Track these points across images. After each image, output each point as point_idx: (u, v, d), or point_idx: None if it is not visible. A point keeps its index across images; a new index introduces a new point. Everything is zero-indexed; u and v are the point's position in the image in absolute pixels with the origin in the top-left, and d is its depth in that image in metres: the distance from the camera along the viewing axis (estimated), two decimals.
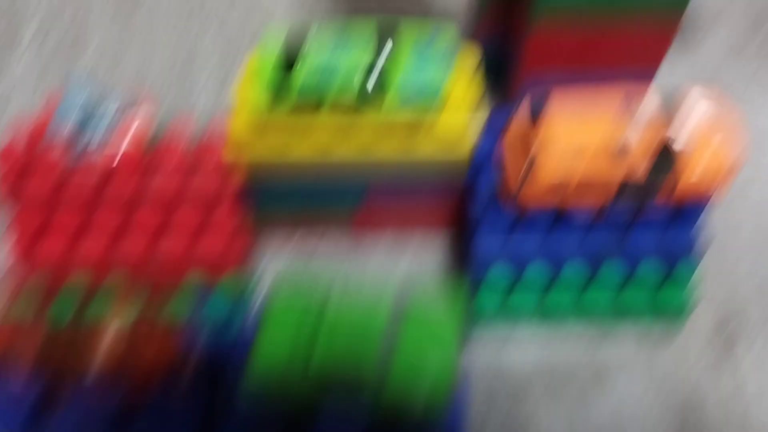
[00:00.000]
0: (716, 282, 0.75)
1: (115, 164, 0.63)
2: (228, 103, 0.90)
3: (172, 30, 0.95)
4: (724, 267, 0.76)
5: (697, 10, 0.97)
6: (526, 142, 0.61)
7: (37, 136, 0.64)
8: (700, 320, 0.73)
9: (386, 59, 0.61)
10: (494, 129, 0.66)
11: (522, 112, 0.62)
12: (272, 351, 0.30)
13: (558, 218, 0.63)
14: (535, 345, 0.71)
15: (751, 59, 0.92)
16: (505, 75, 0.80)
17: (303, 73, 0.60)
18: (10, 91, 0.90)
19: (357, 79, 0.59)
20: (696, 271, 0.67)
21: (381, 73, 0.60)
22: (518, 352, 0.71)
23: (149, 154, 0.66)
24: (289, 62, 0.61)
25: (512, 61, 0.78)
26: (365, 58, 0.60)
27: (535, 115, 0.61)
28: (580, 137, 0.60)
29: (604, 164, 0.58)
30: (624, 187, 0.58)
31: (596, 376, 0.71)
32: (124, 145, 0.63)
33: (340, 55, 0.60)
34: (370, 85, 0.60)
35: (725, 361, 0.71)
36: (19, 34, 0.95)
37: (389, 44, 0.61)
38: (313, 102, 0.59)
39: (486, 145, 0.66)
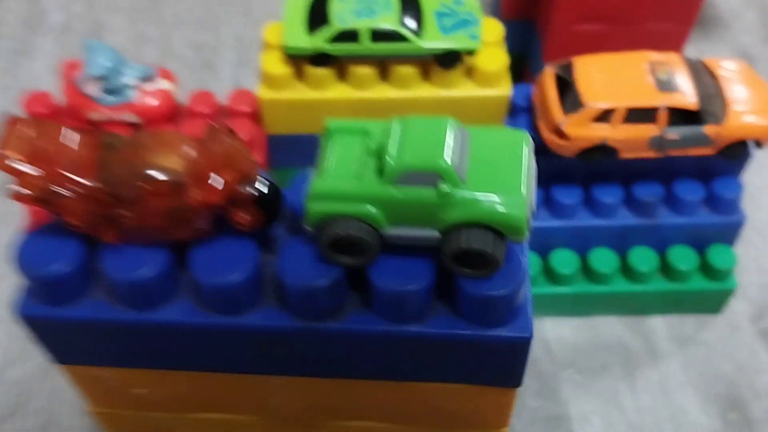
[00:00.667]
0: (752, 272, 0.72)
1: (146, 113, 0.62)
2: (250, 84, 0.90)
3: (197, 17, 0.95)
4: (761, 257, 0.73)
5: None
6: (558, 86, 0.60)
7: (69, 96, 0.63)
8: (737, 310, 0.70)
9: (415, 10, 0.60)
10: (520, 95, 0.65)
11: (549, 70, 0.61)
12: (339, 162, 0.28)
13: (595, 173, 0.61)
14: (572, 323, 0.69)
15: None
16: (523, 62, 0.81)
17: (339, 5, 0.59)
18: (43, 73, 0.90)
19: (395, 11, 0.59)
20: (732, 258, 0.65)
21: (416, 11, 0.60)
22: (555, 328, 0.69)
23: (180, 107, 0.65)
24: (317, 8, 0.61)
25: (538, 38, 0.78)
26: (394, 5, 0.59)
27: (563, 72, 0.60)
28: (619, 71, 0.59)
29: (650, 92, 0.57)
30: (677, 115, 0.57)
31: (628, 364, 0.68)
32: (154, 101, 0.62)
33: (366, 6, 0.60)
34: (405, 19, 0.59)
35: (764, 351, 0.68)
36: (45, 18, 0.95)
37: (414, 1, 0.61)
38: (352, 32, 0.58)
39: (519, 95, 0.64)
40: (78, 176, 0.28)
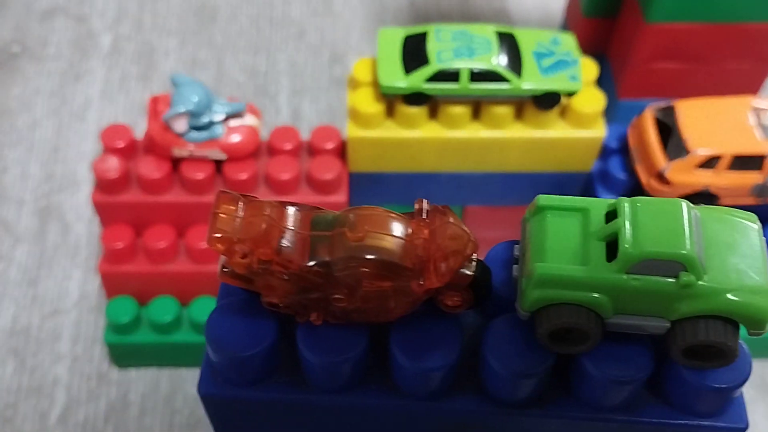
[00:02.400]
0: None
1: (231, 148, 0.60)
2: (307, 111, 0.88)
3: (250, 39, 0.94)
4: None
5: None
6: (658, 130, 0.59)
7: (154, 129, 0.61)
8: None
9: (514, 50, 0.59)
10: (610, 136, 0.64)
11: (649, 113, 0.60)
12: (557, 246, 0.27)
13: None
14: None
15: None
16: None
17: (438, 45, 0.58)
18: (92, 97, 0.88)
19: (494, 51, 0.58)
20: None
21: (515, 51, 0.59)
22: None
23: (264, 143, 0.64)
24: (413, 47, 0.60)
25: (611, 73, 0.77)
26: (494, 45, 0.58)
27: (663, 115, 0.59)
28: (723, 116, 0.58)
29: (756, 140, 0.56)
30: None
31: None
32: (239, 137, 0.60)
33: (467, 39, 0.59)
34: (504, 59, 0.58)
35: None
36: (93, 40, 0.93)
37: (512, 40, 0.60)
38: (452, 72, 0.57)
39: (609, 136, 0.63)
40: (290, 257, 0.26)
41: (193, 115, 0.58)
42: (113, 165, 0.61)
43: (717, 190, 0.57)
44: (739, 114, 0.57)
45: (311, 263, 0.27)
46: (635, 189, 0.61)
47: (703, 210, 0.28)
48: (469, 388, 0.29)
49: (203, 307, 0.65)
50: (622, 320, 0.27)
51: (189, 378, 0.68)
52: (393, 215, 0.27)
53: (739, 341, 0.27)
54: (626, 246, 0.26)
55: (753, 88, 0.74)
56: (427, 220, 0.27)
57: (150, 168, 0.61)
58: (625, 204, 0.27)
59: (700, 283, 0.26)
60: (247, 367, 0.28)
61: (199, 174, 0.61)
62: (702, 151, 0.56)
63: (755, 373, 0.68)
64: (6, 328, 0.70)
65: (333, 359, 0.28)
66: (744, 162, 0.56)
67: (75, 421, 0.65)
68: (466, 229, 0.27)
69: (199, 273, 0.64)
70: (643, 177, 0.58)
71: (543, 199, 0.28)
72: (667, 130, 0.59)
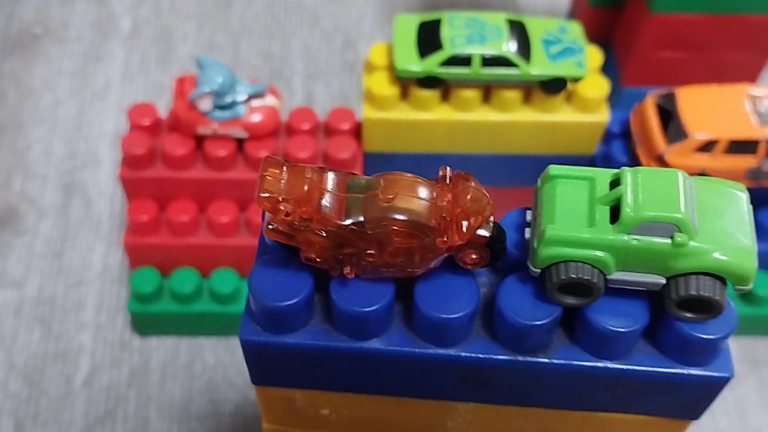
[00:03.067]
0: None
1: (252, 127, 0.63)
2: (321, 95, 0.91)
3: (265, 24, 0.96)
4: None
5: None
6: (659, 116, 0.62)
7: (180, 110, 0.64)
8: None
9: (523, 37, 0.62)
10: (613, 121, 0.67)
11: (651, 99, 0.63)
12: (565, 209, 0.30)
13: None
14: None
15: None
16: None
17: (451, 31, 0.61)
18: (113, 78, 0.91)
19: (505, 38, 0.61)
20: None
21: (524, 38, 0.62)
22: None
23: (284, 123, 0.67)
24: (427, 32, 0.63)
25: (614, 61, 0.80)
26: (504, 32, 0.61)
27: (664, 101, 0.62)
28: (721, 103, 0.61)
29: (752, 125, 0.59)
30: None
31: None
32: (260, 117, 0.63)
33: (479, 26, 0.62)
34: (514, 48, 0.61)
35: None
36: (114, 23, 0.96)
37: (522, 28, 0.63)
38: (465, 57, 0.60)
39: (612, 121, 0.66)
40: (328, 215, 0.29)
41: (217, 95, 0.61)
42: (140, 141, 0.64)
43: (713, 172, 0.60)
44: (736, 101, 0.60)
45: (347, 222, 0.30)
46: None
47: (697, 180, 0.31)
48: (483, 337, 0.32)
49: (223, 278, 0.68)
50: (623, 276, 0.30)
51: (207, 346, 0.71)
52: (420, 180, 0.31)
53: (726, 299, 0.31)
54: (627, 210, 0.29)
55: (751, 77, 0.77)
56: (450, 185, 0.30)
57: (175, 145, 0.64)
58: (628, 173, 0.30)
59: (692, 243, 0.29)
60: (284, 316, 0.31)
61: (222, 151, 0.64)
62: (700, 136, 0.59)
63: (746, 349, 0.72)
64: (33, 297, 0.74)
65: (363, 309, 0.31)
66: (739, 146, 0.59)
67: (99, 385, 0.69)
68: (485, 192, 0.30)
69: (220, 246, 0.67)
70: (644, 160, 0.61)
71: (554, 168, 0.32)
72: (668, 116, 0.62)
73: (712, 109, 0.60)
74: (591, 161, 0.68)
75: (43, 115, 0.88)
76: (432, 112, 0.64)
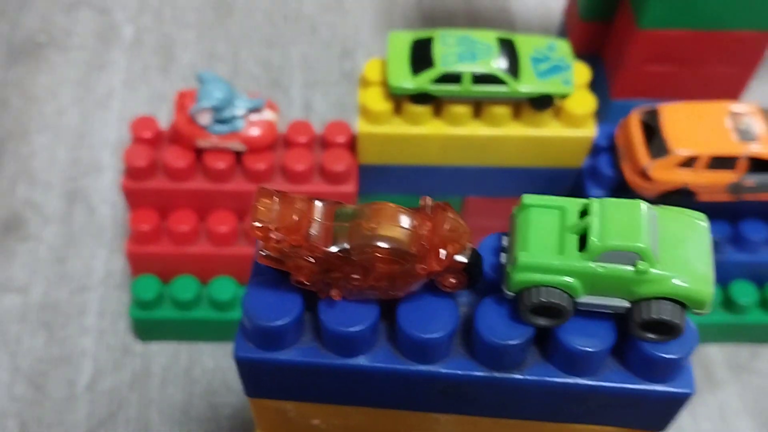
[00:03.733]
0: None
1: (250, 141, 0.65)
2: (318, 104, 0.93)
3: (264, 33, 0.99)
4: None
5: None
6: (644, 131, 0.64)
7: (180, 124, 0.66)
8: None
9: (512, 55, 0.64)
10: (600, 135, 0.69)
11: (635, 115, 0.65)
12: (537, 241, 0.32)
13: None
14: None
15: None
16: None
17: (443, 49, 0.63)
18: (115, 86, 0.93)
19: (495, 56, 0.63)
20: None
21: (514, 56, 0.64)
22: None
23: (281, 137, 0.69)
24: (420, 50, 0.65)
25: (604, 74, 0.82)
26: (494, 50, 0.63)
27: (649, 117, 0.64)
28: (703, 120, 0.63)
29: (732, 142, 0.61)
30: (754, 163, 0.61)
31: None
32: (258, 131, 0.65)
33: (470, 44, 0.64)
34: (503, 63, 0.63)
35: None
36: (116, 32, 0.98)
37: (511, 46, 0.65)
38: (456, 75, 0.62)
39: (600, 135, 0.69)
40: (316, 243, 0.31)
41: (216, 109, 0.63)
42: (142, 153, 0.66)
43: (695, 187, 0.62)
44: (718, 118, 0.62)
45: (333, 248, 0.32)
46: (621, 185, 0.66)
47: (660, 209, 0.33)
48: (462, 355, 0.35)
49: (221, 286, 0.71)
50: (590, 300, 0.32)
51: (207, 351, 0.73)
52: (402, 210, 0.33)
53: (687, 320, 0.33)
54: (593, 239, 0.31)
55: (736, 92, 0.79)
56: (430, 214, 0.33)
57: (175, 157, 0.66)
58: (595, 204, 0.32)
59: (652, 270, 0.31)
60: (276, 334, 0.34)
61: (221, 164, 0.66)
62: (682, 152, 0.61)
63: (730, 355, 0.74)
64: (37, 302, 0.76)
65: (348, 329, 0.33)
66: (720, 162, 0.61)
67: (102, 389, 0.71)
68: (462, 222, 0.32)
69: (219, 255, 0.70)
70: (628, 174, 0.64)
71: (528, 198, 0.34)
72: (651, 132, 0.64)
73: (693, 125, 0.62)
74: (578, 174, 0.70)
75: (46, 123, 0.90)
76: (425, 127, 0.66)
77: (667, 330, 0.32)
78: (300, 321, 0.34)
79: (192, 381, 0.72)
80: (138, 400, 0.70)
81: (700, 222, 0.33)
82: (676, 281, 0.31)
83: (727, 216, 0.68)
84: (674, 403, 0.34)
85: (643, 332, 0.33)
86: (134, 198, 0.69)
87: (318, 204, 0.33)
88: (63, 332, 0.74)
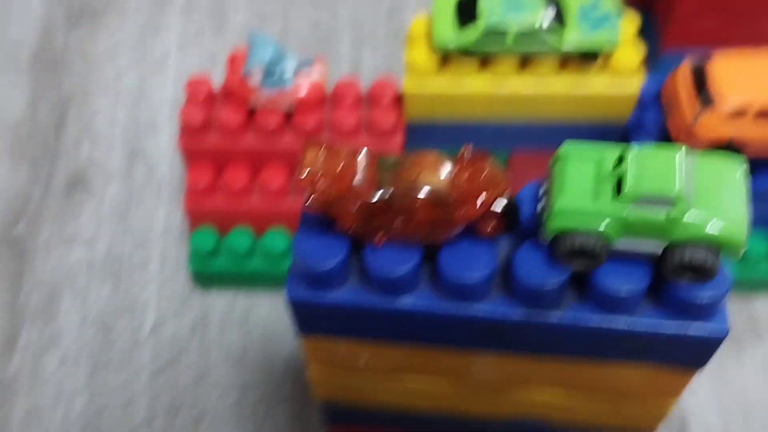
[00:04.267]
0: None
1: (299, 100, 0.67)
2: (366, 62, 0.95)
3: None
4: None
5: None
6: (695, 82, 0.63)
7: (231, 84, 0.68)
8: None
9: (560, 6, 0.64)
10: (649, 88, 0.68)
11: (685, 65, 0.64)
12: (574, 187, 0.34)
13: None
14: None
15: None
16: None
17: (489, 3, 0.64)
18: (170, 48, 0.96)
19: (541, 8, 0.63)
20: None
21: (560, 8, 0.64)
22: None
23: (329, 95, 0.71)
24: (466, 4, 0.65)
25: (654, 29, 0.81)
26: (540, 4, 0.63)
27: (698, 69, 0.63)
28: (755, 72, 0.62)
29: None
30: None
31: (736, 342, 0.72)
32: (306, 90, 0.67)
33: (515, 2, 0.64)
34: (549, 21, 0.63)
35: None
36: None
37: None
38: (499, 32, 0.63)
39: (648, 88, 0.68)
40: (360, 191, 0.33)
41: (266, 68, 0.65)
42: (197, 112, 0.69)
43: (745, 140, 0.62)
44: None
45: (377, 196, 0.34)
46: (668, 139, 0.66)
47: (698, 155, 0.34)
48: (501, 297, 0.36)
49: (275, 238, 0.74)
50: (625, 245, 0.34)
51: (262, 300, 0.77)
52: (442, 158, 0.34)
53: (720, 264, 0.34)
54: (628, 185, 0.32)
55: None
56: (469, 163, 0.34)
57: (228, 116, 0.69)
58: (631, 151, 0.33)
59: (686, 216, 0.32)
60: (324, 276, 0.36)
61: (272, 122, 0.68)
62: (730, 102, 0.60)
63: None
64: (102, 255, 0.81)
65: (392, 270, 0.35)
66: None
67: (164, 335, 0.75)
68: (499, 170, 0.34)
69: (271, 209, 0.73)
70: (674, 126, 0.63)
71: (565, 147, 0.35)
72: (702, 82, 0.63)
73: (746, 75, 0.61)
74: (625, 128, 0.70)
75: (106, 85, 0.93)
76: (470, 83, 0.67)
77: (702, 273, 0.33)
78: (346, 263, 0.36)
79: (248, 328, 0.75)
80: (197, 346, 0.75)
81: (738, 167, 0.34)
82: (709, 226, 0.32)
83: None
84: (710, 344, 0.35)
85: (678, 275, 0.34)
86: (190, 155, 0.72)
87: (362, 154, 0.35)
88: (127, 283, 0.79)
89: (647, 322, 0.35)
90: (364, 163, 0.34)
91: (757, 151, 0.63)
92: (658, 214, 0.32)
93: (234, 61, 0.67)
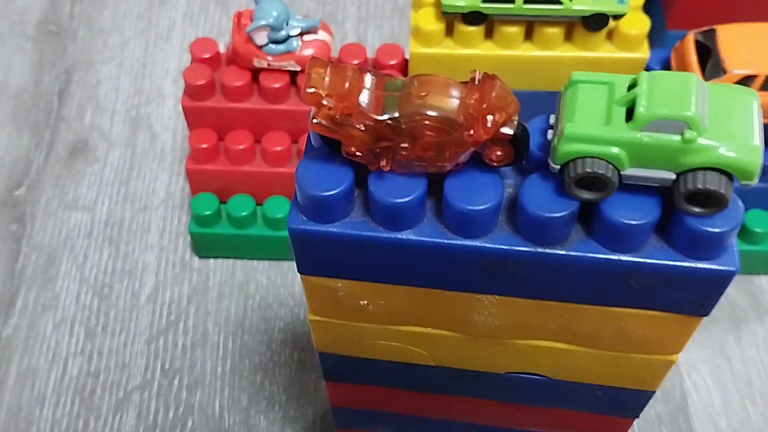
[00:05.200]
0: None
1: (305, 63, 0.66)
2: (371, 37, 0.94)
3: None
4: None
5: None
6: (699, 54, 0.63)
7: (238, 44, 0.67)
8: None
9: None
10: (654, 63, 0.68)
11: (690, 37, 0.64)
12: (585, 110, 0.33)
13: None
14: None
15: None
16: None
17: None
18: (176, 19, 0.96)
19: None
20: None
21: None
22: None
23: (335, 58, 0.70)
24: None
25: (661, 4, 0.80)
26: None
27: (703, 41, 0.63)
28: (759, 43, 0.62)
29: None
30: None
31: (736, 319, 0.72)
32: (312, 51, 0.66)
33: None
34: None
35: None
36: None
37: None
38: None
39: (653, 63, 0.68)
40: (366, 110, 0.33)
41: (272, 28, 0.65)
42: (201, 73, 0.69)
43: None
44: None
45: (383, 116, 0.33)
46: None
47: (711, 84, 0.33)
48: (507, 231, 0.36)
49: (276, 205, 0.73)
50: (635, 172, 0.33)
51: (261, 269, 0.76)
52: (451, 81, 0.34)
53: (733, 195, 0.33)
54: (641, 108, 0.32)
55: None
56: (478, 85, 0.34)
57: (232, 77, 0.68)
58: (644, 76, 0.33)
59: (700, 139, 0.31)
60: (327, 205, 0.35)
61: (276, 83, 0.68)
62: (737, 71, 0.60)
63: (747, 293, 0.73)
64: (103, 220, 0.80)
65: (396, 200, 0.34)
66: None
67: (162, 300, 0.75)
68: (509, 92, 0.33)
69: (273, 174, 0.72)
70: None
71: (577, 74, 0.34)
72: (707, 54, 0.63)
73: (752, 45, 0.61)
74: None
75: (111, 54, 0.93)
76: (476, 48, 0.66)
77: (713, 202, 0.32)
78: (350, 193, 0.35)
79: (246, 296, 0.75)
80: (196, 312, 0.74)
81: (750, 97, 0.33)
82: (722, 150, 0.31)
83: None
84: (718, 282, 0.35)
85: (689, 205, 0.33)
86: (193, 117, 0.71)
87: (369, 75, 0.34)
88: (126, 248, 0.78)
89: (655, 257, 0.34)
90: (370, 84, 0.33)
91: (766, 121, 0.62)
92: (672, 138, 0.32)
93: (239, 20, 0.67)
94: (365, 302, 0.41)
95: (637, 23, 0.65)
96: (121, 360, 0.71)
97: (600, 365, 0.43)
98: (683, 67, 0.63)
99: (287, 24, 0.66)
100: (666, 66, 0.66)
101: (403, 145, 0.33)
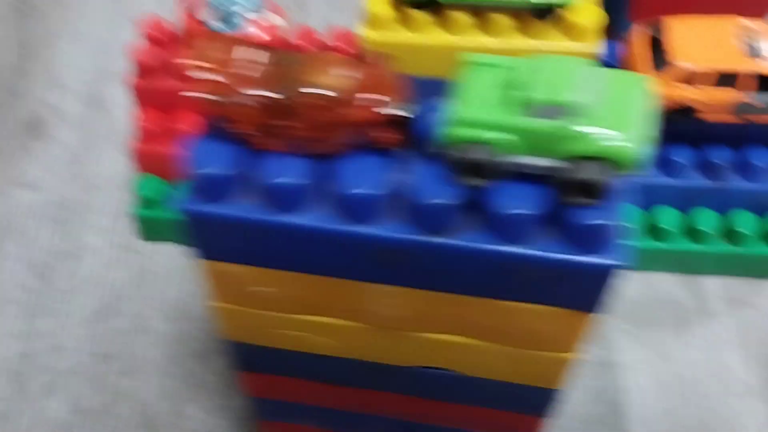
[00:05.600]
0: None
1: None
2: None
3: None
4: None
5: None
6: (650, 46, 0.61)
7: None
8: None
9: None
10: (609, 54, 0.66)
11: (641, 29, 0.62)
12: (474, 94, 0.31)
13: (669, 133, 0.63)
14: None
15: None
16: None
17: None
18: (143, 2, 0.95)
19: None
20: None
21: None
22: None
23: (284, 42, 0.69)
24: None
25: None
26: None
27: (654, 32, 0.62)
28: (712, 35, 0.60)
29: (741, 58, 0.58)
30: (764, 83, 0.58)
31: (680, 319, 0.70)
32: (262, 35, 0.65)
33: None
34: None
35: None
36: None
37: None
38: None
39: (610, 51, 0.66)
40: (250, 84, 0.32)
41: (215, 7, 0.64)
42: (149, 52, 0.67)
43: (699, 105, 0.60)
44: (727, 33, 0.59)
45: (267, 92, 0.32)
46: None
47: (607, 71, 0.32)
48: (396, 218, 0.34)
49: None
50: (521, 160, 0.32)
51: None
52: (339, 59, 0.32)
53: (626, 195, 0.32)
54: (524, 92, 0.30)
55: (761, 13, 0.74)
56: (366, 66, 0.32)
57: (178, 56, 0.67)
58: (532, 60, 0.31)
59: (578, 126, 0.30)
60: (215, 182, 0.34)
61: None
62: (685, 65, 0.58)
63: (728, 288, 0.71)
64: (48, 199, 0.79)
65: (281, 179, 0.33)
66: (727, 79, 0.59)
67: (102, 282, 0.73)
68: (398, 77, 0.32)
69: None
70: None
71: (470, 55, 0.33)
72: (658, 46, 0.61)
73: (701, 39, 0.59)
74: None
75: (71, 30, 0.92)
76: (427, 36, 0.65)
77: (594, 191, 0.31)
78: (238, 173, 0.34)
79: (189, 281, 0.73)
80: (136, 295, 0.73)
81: (643, 85, 0.32)
82: (603, 139, 0.30)
83: (731, 141, 0.65)
84: (599, 276, 0.33)
85: (572, 195, 0.32)
86: (141, 97, 0.70)
87: (257, 49, 0.33)
88: (71, 228, 0.77)
89: (538, 249, 0.33)
90: (258, 57, 0.32)
91: (716, 116, 0.61)
92: (554, 124, 0.30)
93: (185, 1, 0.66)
94: (267, 290, 0.40)
95: (588, 14, 0.63)
96: (55, 342, 0.70)
97: (501, 361, 0.42)
98: (633, 60, 0.62)
99: (231, 2, 0.64)
100: (618, 59, 0.65)
101: (290, 123, 0.32)
